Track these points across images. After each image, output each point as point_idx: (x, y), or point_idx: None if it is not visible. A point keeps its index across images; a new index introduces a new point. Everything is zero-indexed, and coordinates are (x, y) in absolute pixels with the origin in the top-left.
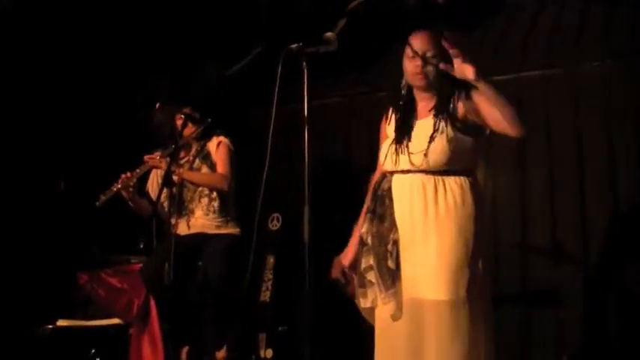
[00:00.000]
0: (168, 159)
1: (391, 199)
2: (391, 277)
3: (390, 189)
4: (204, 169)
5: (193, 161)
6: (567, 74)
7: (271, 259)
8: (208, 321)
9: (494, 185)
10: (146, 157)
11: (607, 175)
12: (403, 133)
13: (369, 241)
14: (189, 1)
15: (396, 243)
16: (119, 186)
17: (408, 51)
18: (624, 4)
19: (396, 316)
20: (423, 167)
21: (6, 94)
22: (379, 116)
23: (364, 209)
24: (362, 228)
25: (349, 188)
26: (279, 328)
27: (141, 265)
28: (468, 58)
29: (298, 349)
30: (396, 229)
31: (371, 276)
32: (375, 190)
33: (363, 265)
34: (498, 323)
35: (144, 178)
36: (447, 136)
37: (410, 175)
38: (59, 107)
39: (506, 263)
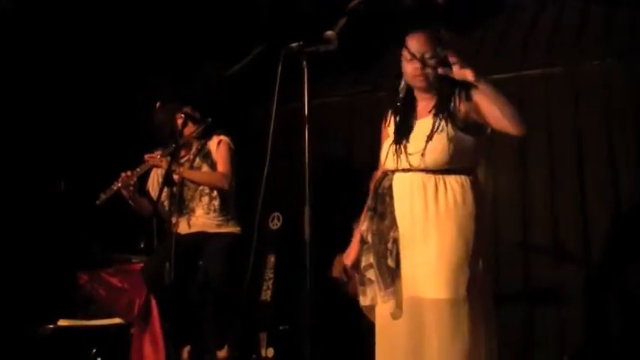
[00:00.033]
0: (168, 158)
1: (392, 198)
2: (391, 275)
3: (390, 187)
4: (205, 168)
5: (194, 160)
6: (567, 73)
7: (272, 259)
8: (209, 320)
9: (495, 184)
10: (146, 156)
11: (608, 174)
12: (402, 133)
13: (369, 239)
14: (189, 0)
15: (396, 241)
16: (119, 185)
17: (406, 53)
18: (624, 3)
19: (395, 315)
20: (421, 167)
21: (6, 94)
22: (380, 115)
23: (366, 207)
24: (362, 226)
25: (349, 187)
26: (280, 328)
27: (141, 264)
28: (466, 63)
29: (299, 348)
30: (397, 227)
31: (370, 274)
32: (376, 189)
33: (363, 263)
34: (500, 322)
35: (144, 178)
36: (448, 135)
37: (410, 173)
38: (59, 107)
39: (507, 262)
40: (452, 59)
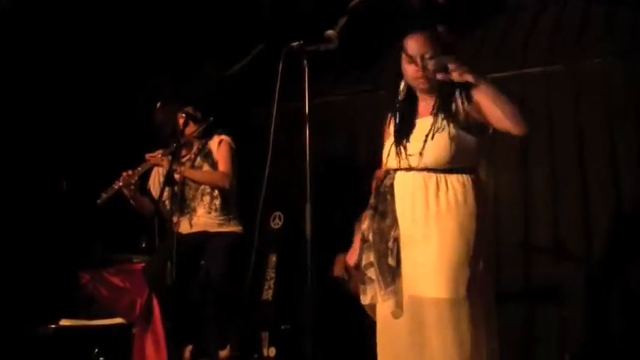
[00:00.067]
0: (169, 157)
1: (393, 196)
2: (391, 274)
3: (392, 186)
4: (206, 168)
5: (195, 159)
6: (568, 72)
7: (273, 258)
8: (211, 320)
9: (496, 183)
10: (147, 156)
11: (609, 173)
12: (402, 134)
13: (370, 237)
14: (190, 0)
15: (396, 240)
16: (120, 184)
17: (405, 55)
18: (625, 2)
19: (396, 314)
20: (421, 167)
21: (7, 94)
22: (381, 114)
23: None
24: (363, 224)
25: (351, 186)
26: (282, 327)
27: (143, 264)
28: (466, 68)
29: (301, 347)
30: (397, 226)
31: (371, 273)
32: (378, 187)
33: (364, 262)
34: (501, 320)
35: (145, 177)
36: (450, 134)
37: (412, 172)
38: (61, 107)
39: (508, 261)
40: (452, 66)
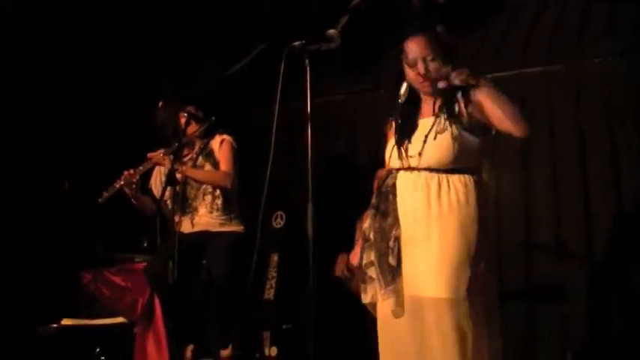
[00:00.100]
0: (171, 157)
1: (395, 196)
2: (391, 273)
3: (394, 185)
4: (208, 167)
5: (196, 159)
6: (569, 71)
7: (275, 257)
8: (212, 319)
9: (497, 183)
10: (149, 155)
11: (610, 173)
12: (404, 134)
13: (371, 236)
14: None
15: (397, 239)
16: (122, 183)
17: (408, 59)
18: (626, 1)
19: (396, 313)
20: (424, 167)
21: (8, 94)
22: (381, 113)
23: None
24: (365, 223)
25: (352, 185)
26: (284, 326)
27: (145, 263)
28: (465, 72)
29: (302, 346)
30: (399, 225)
31: (371, 272)
32: (380, 186)
33: (364, 261)
34: (503, 319)
35: (147, 176)
36: (452, 134)
37: (414, 172)
38: (62, 107)
39: (510, 262)
40: (453, 75)
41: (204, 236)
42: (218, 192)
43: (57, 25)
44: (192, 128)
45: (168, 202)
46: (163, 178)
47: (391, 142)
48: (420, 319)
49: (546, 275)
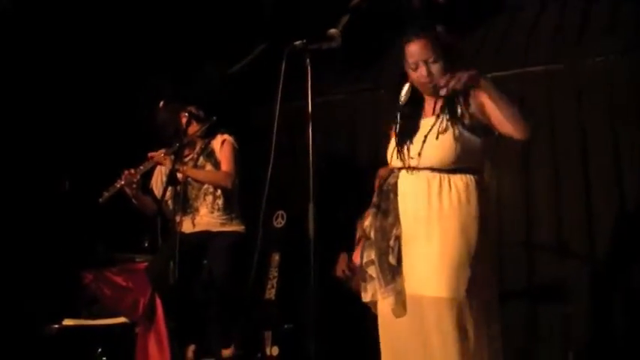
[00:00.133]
0: (172, 157)
1: (396, 195)
2: (391, 272)
3: (396, 184)
4: (209, 167)
5: (197, 159)
6: (570, 70)
7: (276, 257)
8: (213, 319)
9: (499, 183)
10: (150, 154)
11: (612, 172)
12: (405, 135)
13: (372, 235)
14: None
15: (398, 239)
16: (122, 183)
17: (410, 63)
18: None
19: (396, 312)
20: (426, 166)
21: (9, 94)
22: (381, 112)
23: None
24: (366, 222)
25: (353, 185)
26: (285, 326)
27: (146, 263)
28: (466, 76)
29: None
30: (399, 224)
31: (372, 270)
32: (381, 185)
33: (365, 260)
34: (504, 319)
35: (148, 177)
36: (455, 134)
37: (416, 172)
38: (62, 107)
39: (512, 262)
40: (457, 86)
41: (205, 236)
42: (219, 192)
43: (57, 25)
44: (193, 128)
45: (169, 202)
46: (164, 179)
47: (393, 141)
48: (420, 318)
49: (548, 275)
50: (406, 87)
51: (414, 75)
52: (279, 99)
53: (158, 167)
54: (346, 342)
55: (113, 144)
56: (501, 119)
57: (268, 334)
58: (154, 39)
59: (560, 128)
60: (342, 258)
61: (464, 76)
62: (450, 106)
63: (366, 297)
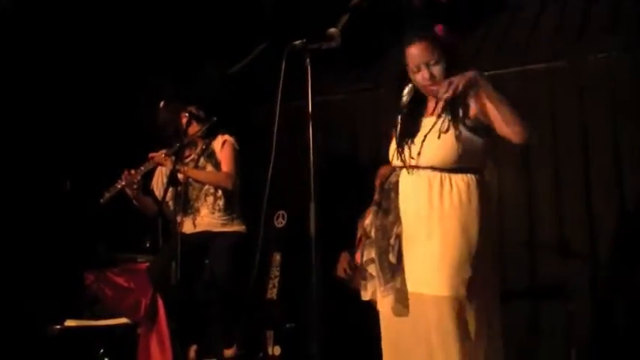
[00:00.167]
0: (173, 157)
1: (397, 193)
2: (391, 270)
3: (397, 183)
4: (209, 168)
5: (198, 160)
6: (572, 67)
7: (277, 257)
8: (215, 319)
9: (500, 182)
10: (151, 155)
11: (613, 171)
12: (406, 135)
13: (373, 234)
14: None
15: (398, 237)
16: (123, 183)
17: (411, 65)
18: None
19: (396, 310)
20: (428, 165)
21: (9, 94)
22: (381, 112)
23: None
24: (366, 220)
25: (354, 184)
26: (287, 326)
27: (147, 263)
28: (471, 82)
29: (306, 346)
30: (400, 223)
31: (372, 269)
32: (383, 184)
33: (365, 258)
34: (507, 316)
35: (149, 177)
36: (456, 134)
37: (417, 171)
38: (63, 107)
39: (513, 262)
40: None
41: (207, 236)
42: (220, 193)
43: (57, 25)
44: (194, 128)
45: (170, 203)
46: (165, 179)
47: (395, 140)
48: (421, 317)
49: (550, 274)
50: (408, 87)
51: (416, 77)
52: (279, 99)
53: (159, 168)
54: (348, 341)
55: (114, 144)
56: (500, 123)
57: (270, 334)
58: (154, 39)
59: (562, 126)
60: (344, 257)
61: (461, 82)
62: (452, 107)
63: (366, 295)
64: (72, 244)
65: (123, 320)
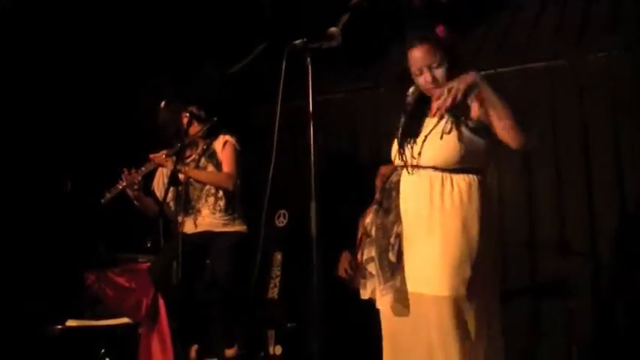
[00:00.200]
0: (174, 158)
1: (398, 192)
2: (391, 269)
3: (398, 182)
4: (210, 168)
5: (199, 160)
6: (572, 66)
7: (278, 256)
8: (216, 319)
9: (500, 182)
10: (151, 156)
11: (614, 170)
12: (408, 135)
13: (373, 232)
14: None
15: (399, 236)
16: (124, 184)
17: (413, 68)
18: None
19: (395, 310)
20: (430, 165)
21: (10, 94)
22: (382, 111)
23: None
24: (367, 219)
25: (354, 183)
26: (288, 325)
27: (148, 263)
28: (471, 87)
29: (307, 345)
30: (400, 222)
31: (371, 267)
32: (384, 183)
33: (365, 257)
34: (508, 315)
35: (149, 178)
36: (459, 135)
37: (418, 170)
38: (63, 107)
39: (514, 261)
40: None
41: (208, 236)
42: (221, 193)
43: (57, 25)
44: (195, 128)
45: (171, 203)
46: (166, 180)
47: (397, 140)
48: (421, 316)
49: (550, 273)
50: (412, 88)
51: (419, 80)
52: (279, 98)
53: (160, 169)
54: (349, 341)
55: (114, 145)
56: (500, 127)
57: (271, 334)
58: (154, 39)
59: (562, 125)
60: (345, 257)
61: (461, 88)
62: (454, 108)
63: (365, 294)
64: (73, 245)
65: (124, 320)
